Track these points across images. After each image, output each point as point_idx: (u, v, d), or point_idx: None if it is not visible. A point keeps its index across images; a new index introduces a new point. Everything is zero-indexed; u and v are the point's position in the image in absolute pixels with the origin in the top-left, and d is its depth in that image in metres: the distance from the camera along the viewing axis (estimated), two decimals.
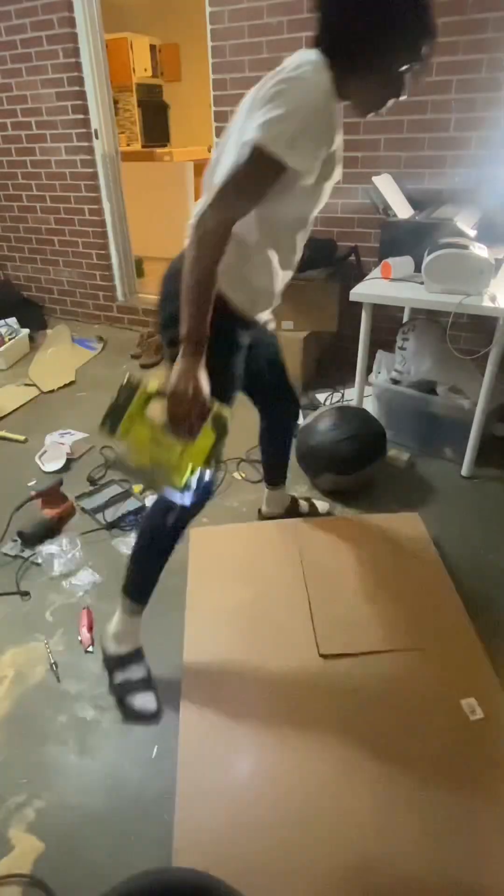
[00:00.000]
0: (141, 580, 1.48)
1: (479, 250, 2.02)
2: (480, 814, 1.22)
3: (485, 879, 1.12)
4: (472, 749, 1.33)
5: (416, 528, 2.00)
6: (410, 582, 1.76)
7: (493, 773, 1.29)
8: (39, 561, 1.94)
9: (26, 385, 3.27)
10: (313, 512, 2.11)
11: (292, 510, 2.09)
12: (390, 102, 1.17)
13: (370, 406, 2.49)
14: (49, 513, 2.11)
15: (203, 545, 1.99)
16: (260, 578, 1.83)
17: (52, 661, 1.61)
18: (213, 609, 1.73)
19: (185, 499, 1.17)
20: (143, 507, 2.19)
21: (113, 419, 1.09)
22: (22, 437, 2.73)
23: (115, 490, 2.29)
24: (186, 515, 1.39)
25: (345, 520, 2.11)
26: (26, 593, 1.85)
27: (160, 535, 1.42)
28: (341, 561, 1.87)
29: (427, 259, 2.07)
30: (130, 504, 2.20)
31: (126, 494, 2.25)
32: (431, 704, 1.43)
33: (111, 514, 2.14)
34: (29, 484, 2.32)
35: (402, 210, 2.54)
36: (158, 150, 5.95)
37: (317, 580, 1.79)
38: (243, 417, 2.81)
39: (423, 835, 1.18)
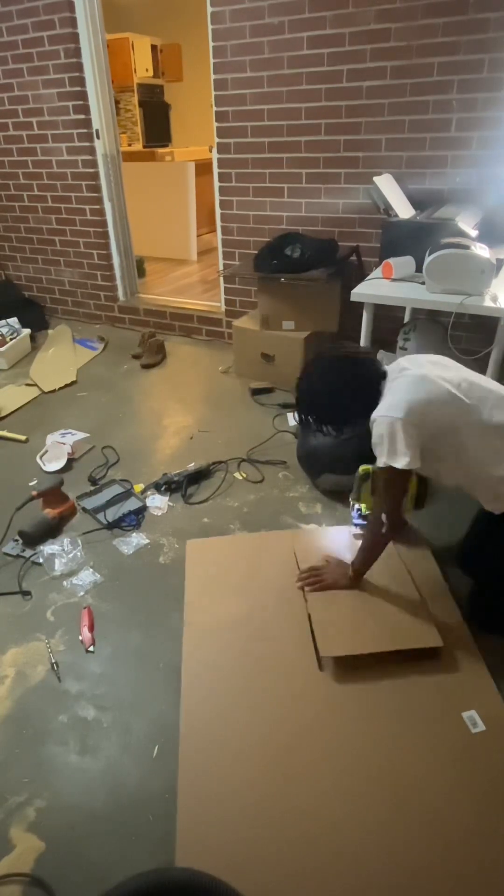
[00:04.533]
0: None
1: (481, 250, 2.02)
2: (486, 828, 1.19)
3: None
4: (475, 762, 1.31)
5: (411, 534, 1.96)
6: (408, 591, 1.70)
7: (497, 786, 1.26)
8: (40, 561, 1.94)
9: (27, 385, 3.27)
10: None
11: None
12: None
13: None
14: (50, 512, 2.11)
15: (199, 557, 1.94)
16: (258, 590, 1.78)
17: (53, 661, 1.61)
18: (211, 623, 1.68)
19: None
20: (143, 507, 2.19)
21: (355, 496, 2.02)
22: (23, 437, 2.73)
23: (115, 490, 2.29)
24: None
25: (339, 529, 2.05)
26: (27, 593, 1.85)
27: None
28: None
29: (428, 259, 2.07)
30: (131, 504, 2.20)
31: (127, 494, 2.25)
32: (432, 717, 1.40)
33: (112, 514, 2.14)
34: (30, 484, 2.32)
35: (404, 210, 2.54)
36: (160, 150, 5.97)
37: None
38: (247, 417, 2.82)
39: (427, 845, 1.17)
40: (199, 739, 1.38)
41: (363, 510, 2.01)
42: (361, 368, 1.57)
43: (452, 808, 1.23)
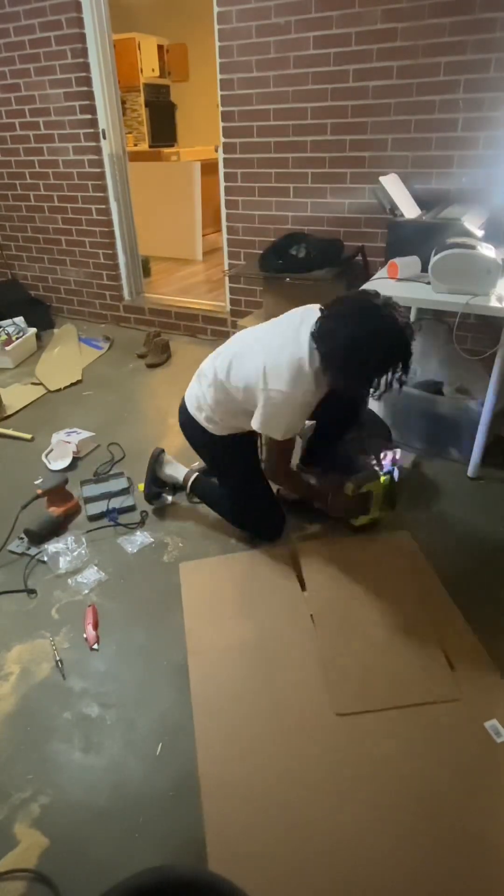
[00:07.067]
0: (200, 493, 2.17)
1: (487, 250, 2.01)
2: None
3: None
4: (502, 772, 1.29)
5: (409, 547, 1.94)
6: (415, 607, 1.70)
7: None
8: (45, 559, 1.95)
9: (33, 384, 3.29)
10: None
11: None
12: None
13: (376, 406, 2.49)
14: (55, 511, 2.12)
15: (195, 580, 1.87)
16: (262, 614, 1.73)
17: (58, 659, 1.62)
18: (217, 652, 1.63)
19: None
20: (133, 506, 2.21)
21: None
22: (28, 436, 2.74)
23: (121, 483, 2.30)
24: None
25: (339, 542, 1.98)
26: (32, 591, 1.86)
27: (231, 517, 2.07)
28: (342, 591, 1.79)
29: (434, 259, 2.06)
30: (126, 500, 2.21)
31: (125, 491, 2.26)
32: (454, 730, 1.38)
33: (99, 507, 2.18)
34: (35, 482, 2.33)
35: (409, 210, 2.54)
36: (165, 150, 5.97)
37: (320, 618, 1.70)
38: None
39: (461, 862, 1.14)
40: (218, 775, 1.33)
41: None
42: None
43: (487, 824, 1.20)
